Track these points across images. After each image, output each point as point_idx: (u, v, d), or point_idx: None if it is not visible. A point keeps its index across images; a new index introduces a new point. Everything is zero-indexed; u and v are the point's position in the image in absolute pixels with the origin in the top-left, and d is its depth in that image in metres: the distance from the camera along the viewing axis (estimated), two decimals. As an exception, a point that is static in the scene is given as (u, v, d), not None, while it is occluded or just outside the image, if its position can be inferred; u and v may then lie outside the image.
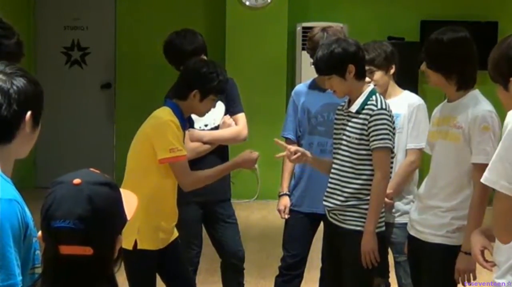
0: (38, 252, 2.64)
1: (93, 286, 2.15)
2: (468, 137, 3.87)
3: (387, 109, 4.29)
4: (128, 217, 2.23)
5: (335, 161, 4.42)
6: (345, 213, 4.31)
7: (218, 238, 5.16)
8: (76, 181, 2.13)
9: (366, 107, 4.26)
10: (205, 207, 5.13)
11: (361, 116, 4.26)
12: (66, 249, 2.10)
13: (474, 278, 3.92)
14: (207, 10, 9.77)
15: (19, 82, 2.61)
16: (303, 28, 9.44)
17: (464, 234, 3.88)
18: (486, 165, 3.67)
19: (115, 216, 2.17)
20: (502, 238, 2.91)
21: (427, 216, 4.08)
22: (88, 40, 10.26)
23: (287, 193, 5.06)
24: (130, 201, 2.30)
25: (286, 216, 4.92)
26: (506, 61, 3.10)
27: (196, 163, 4.89)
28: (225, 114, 5.13)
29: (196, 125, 5.10)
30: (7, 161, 2.65)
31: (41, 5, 10.01)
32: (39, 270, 2.61)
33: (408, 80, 9.17)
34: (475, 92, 4.00)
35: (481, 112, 3.85)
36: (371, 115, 4.22)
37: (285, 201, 4.98)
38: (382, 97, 4.38)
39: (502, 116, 3.83)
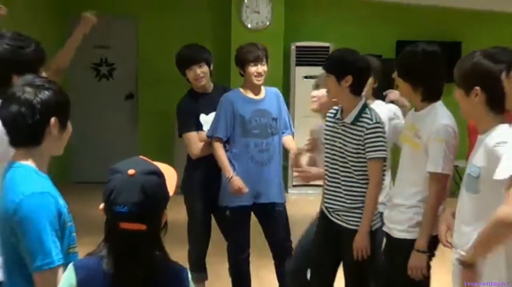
0: (73, 234, 2.67)
1: (145, 251, 2.28)
2: (426, 147, 3.78)
3: (380, 122, 4.16)
4: (170, 193, 2.37)
5: (331, 165, 4.27)
6: (350, 214, 4.19)
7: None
8: (131, 171, 2.26)
9: (360, 119, 4.11)
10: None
11: (357, 128, 4.11)
12: (124, 225, 2.24)
13: (425, 276, 3.82)
14: (216, 31, 9.76)
15: (43, 94, 2.61)
16: (297, 47, 9.53)
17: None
18: (439, 174, 3.72)
19: (161, 198, 2.30)
20: None
21: (393, 213, 4.00)
22: (114, 57, 10.27)
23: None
24: (171, 176, 2.42)
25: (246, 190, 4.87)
26: (474, 74, 3.12)
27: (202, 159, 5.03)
28: None
29: (204, 128, 5.08)
30: (41, 159, 2.66)
31: (75, 27, 10.03)
32: (74, 249, 2.67)
33: (382, 92, 9.22)
34: (438, 105, 3.86)
35: (438, 126, 3.74)
36: (367, 129, 4.08)
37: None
38: (374, 110, 4.23)
39: (461, 123, 3.88)
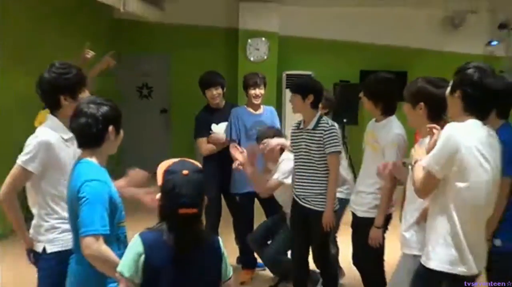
0: (123, 213, 2.69)
1: (196, 227, 2.37)
2: (382, 150, 3.77)
3: (334, 125, 4.15)
4: None
5: (299, 162, 4.19)
6: (316, 198, 4.12)
7: None
8: (185, 172, 2.34)
9: (319, 125, 4.11)
10: None
11: (317, 131, 4.10)
12: (182, 211, 2.30)
13: (380, 244, 3.81)
14: (227, 63, 9.71)
15: (103, 108, 2.65)
16: (287, 74, 9.53)
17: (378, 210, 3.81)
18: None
19: (204, 189, 2.39)
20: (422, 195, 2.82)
21: (357, 198, 3.99)
22: (153, 82, 10.28)
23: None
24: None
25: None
26: (420, 94, 3.15)
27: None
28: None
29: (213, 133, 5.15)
30: (101, 157, 2.69)
31: (125, 61, 10.08)
32: (123, 224, 2.70)
33: (350, 109, 9.23)
34: (392, 118, 3.86)
35: (393, 134, 3.73)
36: (325, 130, 4.08)
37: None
38: (328, 118, 4.23)
39: (409, 131, 3.85)
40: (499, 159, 2.73)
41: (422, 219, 3.01)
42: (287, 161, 4.49)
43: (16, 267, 4.76)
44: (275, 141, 4.54)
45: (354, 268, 4.19)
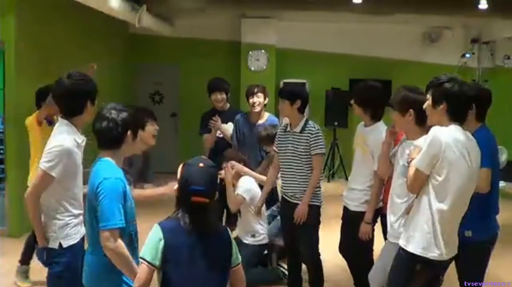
0: (134, 211, 2.68)
1: (207, 214, 2.36)
2: (371, 152, 3.74)
3: (319, 129, 4.02)
4: None
5: (285, 163, 4.06)
6: (304, 195, 3.97)
7: None
8: (201, 165, 2.37)
9: (306, 128, 3.98)
10: None
11: (304, 134, 3.98)
12: (195, 199, 2.32)
13: (369, 237, 3.78)
14: (231, 72, 9.63)
15: (123, 114, 2.64)
16: (284, 82, 9.46)
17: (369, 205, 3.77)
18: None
19: (217, 182, 2.44)
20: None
21: (350, 194, 3.96)
22: (164, 89, 10.24)
23: None
24: None
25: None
26: (407, 102, 3.16)
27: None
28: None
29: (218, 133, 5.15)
30: (119, 158, 2.67)
31: (139, 71, 10.09)
32: (135, 223, 2.68)
33: (341, 114, 9.24)
34: (380, 123, 3.83)
35: (380, 138, 3.62)
36: (311, 133, 3.96)
37: None
38: (314, 122, 4.08)
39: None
40: (478, 159, 2.76)
41: (410, 210, 2.99)
42: (246, 180, 4.54)
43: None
44: (239, 168, 4.56)
45: (339, 259, 4.15)
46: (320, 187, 4.08)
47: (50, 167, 2.85)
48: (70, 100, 2.93)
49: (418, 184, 2.73)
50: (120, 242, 2.49)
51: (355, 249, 3.92)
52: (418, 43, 9.98)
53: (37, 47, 6.29)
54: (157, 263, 2.27)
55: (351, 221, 3.91)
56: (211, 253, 2.33)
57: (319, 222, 4.06)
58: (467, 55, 9.85)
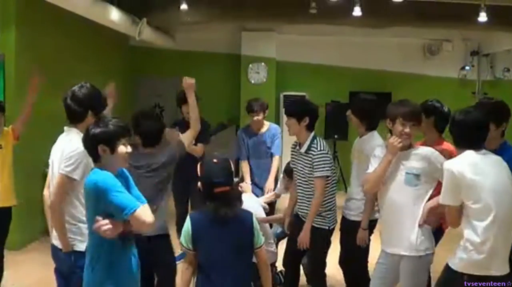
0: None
1: (231, 201, 2.73)
2: (368, 156, 3.68)
3: (325, 149, 3.80)
4: None
5: (298, 182, 3.94)
6: (316, 216, 3.80)
7: None
8: (215, 160, 2.76)
9: (311, 148, 3.79)
10: None
11: (308, 155, 3.80)
12: (217, 189, 2.69)
13: (366, 244, 3.85)
14: (230, 85, 9.73)
15: (97, 130, 2.61)
16: (284, 95, 9.53)
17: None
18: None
19: (232, 169, 2.81)
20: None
21: (349, 203, 4.03)
22: (164, 102, 10.20)
23: None
24: None
25: None
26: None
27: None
28: None
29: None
30: (109, 169, 2.57)
31: (140, 85, 10.10)
32: None
33: (340, 127, 9.21)
34: (375, 133, 3.93)
35: (375, 146, 3.59)
36: (314, 155, 3.77)
37: None
38: (321, 139, 3.86)
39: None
40: (503, 170, 2.80)
41: (424, 222, 3.13)
42: (246, 199, 4.38)
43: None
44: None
45: (339, 272, 4.19)
46: (331, 210, 3.87)
47: (71, 171, 2.91)
48: (79, 108, 3.05)
49: (455, 217, 2.82)
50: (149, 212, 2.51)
51: (354, 259, 4.00)
52: (418, 56, 10.02)
53: (37, 59, 6.28)
54: (190, 246, 2.69)
55: (350, 230, 3.95)
56: (234, 236, 2.66)
57: (327, 246, 3.90)
58: (467, 67, 9.89)
